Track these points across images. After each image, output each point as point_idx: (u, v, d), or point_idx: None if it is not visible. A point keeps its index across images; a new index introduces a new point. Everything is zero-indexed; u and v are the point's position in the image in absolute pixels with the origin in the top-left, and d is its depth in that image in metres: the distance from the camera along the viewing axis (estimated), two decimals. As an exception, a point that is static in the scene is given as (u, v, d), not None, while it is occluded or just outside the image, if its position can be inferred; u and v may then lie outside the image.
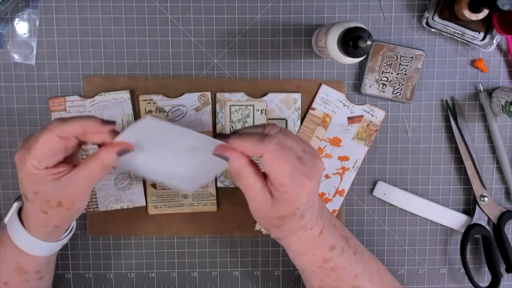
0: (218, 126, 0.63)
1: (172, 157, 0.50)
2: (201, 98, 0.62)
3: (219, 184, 0.63)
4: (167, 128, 0.48)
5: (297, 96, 0.63)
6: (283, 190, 0.45)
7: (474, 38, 0.61)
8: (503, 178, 0.65)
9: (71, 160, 0.50)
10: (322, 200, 0.64)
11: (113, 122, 0.48)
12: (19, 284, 0.53)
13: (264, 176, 0.47)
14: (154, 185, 0.63)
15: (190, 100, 0.62)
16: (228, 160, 0.46)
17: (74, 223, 0.56)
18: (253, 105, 0.62)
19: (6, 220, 0.52)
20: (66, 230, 0.54)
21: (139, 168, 0.51)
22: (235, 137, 0.46)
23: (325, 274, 0.52)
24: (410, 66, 0.62)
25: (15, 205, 0.52)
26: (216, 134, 0.47)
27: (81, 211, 0.53)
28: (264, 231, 0.65)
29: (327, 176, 0.64)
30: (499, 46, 0.63)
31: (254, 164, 0.47)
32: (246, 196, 0.48)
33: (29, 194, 0.48)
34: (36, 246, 0.51)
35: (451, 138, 0.64)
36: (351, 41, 0.50)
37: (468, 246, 0.64)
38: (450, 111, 0.63)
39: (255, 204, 0.48)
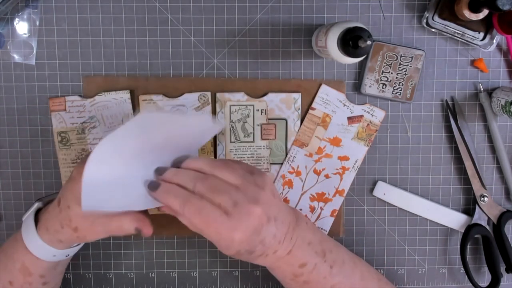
0: (218, 126, 0.63)
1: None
2: (201, 98, 0.62)
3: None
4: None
5: (297, 96, 0.63)
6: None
7: (474, 38, 0.61)
8: (503, 178, 0.65)
9: None
10: (322, 200, 0.64)
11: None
12: (22, 286, 0.53)
13: None
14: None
15: (190, 100, 0.62)
16: None
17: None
18: (253, 105, 0.62)
19: (24, 217, 0.54)
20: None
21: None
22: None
23: (299, 285, 0.53)
24: (410, 66, 0.62)
25: (36, 205, 0.54)
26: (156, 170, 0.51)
27: (87, 242, 0.56)
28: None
29: (327, 176, 0.64)
30: (499, 46, 0.63)
31: None
32: (215, 240, 0.48)
33: (63, 204, 0.50)
34: (40, 248, 0.52)
35: (451, 138, 0.64)
36: (351, 41, 0.50)
37: (468, 246, 0.64)
38: (450, 111, 0.63)
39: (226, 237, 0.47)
